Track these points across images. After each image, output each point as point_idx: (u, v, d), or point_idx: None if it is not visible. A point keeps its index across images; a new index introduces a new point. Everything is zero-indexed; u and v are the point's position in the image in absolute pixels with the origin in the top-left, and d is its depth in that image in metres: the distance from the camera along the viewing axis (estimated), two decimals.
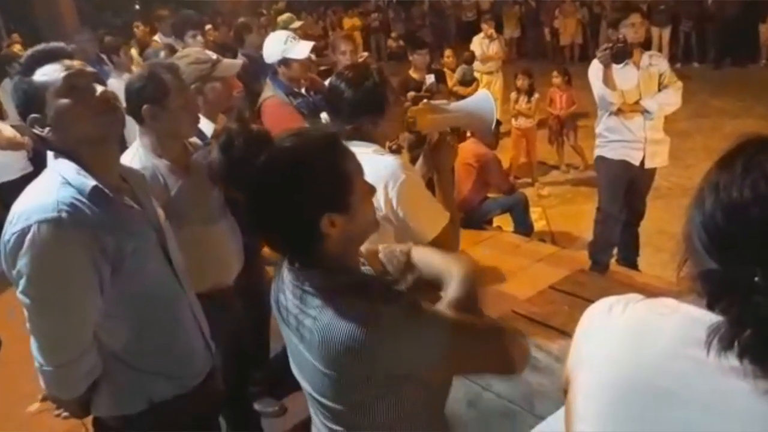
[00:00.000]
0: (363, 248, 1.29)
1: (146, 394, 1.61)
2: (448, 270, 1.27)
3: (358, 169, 1.15)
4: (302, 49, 3.48)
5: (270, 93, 3.49)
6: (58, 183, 1.45)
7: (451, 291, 1.21)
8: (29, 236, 1.37)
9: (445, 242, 1.92)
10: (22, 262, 1.40)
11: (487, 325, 1.21)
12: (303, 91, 3.58)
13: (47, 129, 1.47)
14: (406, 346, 1.05)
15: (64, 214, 1.40)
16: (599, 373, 0.86)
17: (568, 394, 0.94)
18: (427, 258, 1.35)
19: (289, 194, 1.06)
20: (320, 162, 1.09)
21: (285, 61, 3.48)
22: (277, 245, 1.16)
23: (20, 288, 1.43)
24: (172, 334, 1.66)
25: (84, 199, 1.44)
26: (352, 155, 1.15)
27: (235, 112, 3.43)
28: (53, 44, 1.53)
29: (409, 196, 1.82)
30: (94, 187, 1.47)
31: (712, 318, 0.75)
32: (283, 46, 3.46)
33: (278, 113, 3.28)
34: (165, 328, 1.64)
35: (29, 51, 1.52)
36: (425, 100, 2.04)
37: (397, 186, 1.79)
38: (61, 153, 1.50)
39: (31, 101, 1.46)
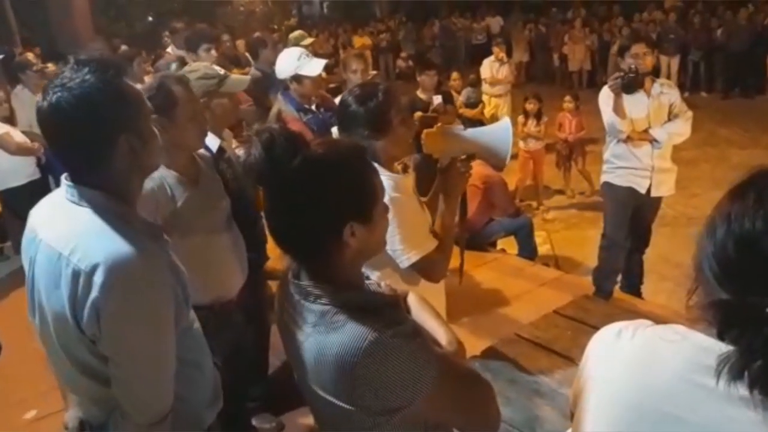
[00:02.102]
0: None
1: (199, 423, 1.57)
2: (435, 333, 1.27)
3: (382, 185, 1.18)
4: (315, 67, 3.53)
5: (281, 107, 3.54)
6: (125, 228, 1.31)
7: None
8: (129, 294, 1.26)
9: (426, 270, 1.91)
10: (126, 320, 1.28)
11: (476, 374, 1.21)
12: (313, 107, 3.61)
13: (136, 148, 1.34)
14: (399, 375, 1.02)
15: (154, 265, 1.31)
16: (607, 398, 0.85)
17: (574, 417, 0.93)
18: (419, 311, 1.35)
19: (320, 196, 1.08)
20: (353, 170, 1.13)
21: (297, 78, 3.52)
22: (296, 249, 1.16)
23: (119, 348, 1.31)
24: (202, 357, 1.60)
25: (149, 239, 1.36)
26: (377, 171, 1.18)
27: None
28: (118, 58, 1.48)
29: (392, 218, 1.81)
30: (151, 225, 1.43)
31: (722, 347, 0.74)
32: (296, 62, 3.51)
33: (294, 126, 3.30)
34: (199, 354, 1.58)
35: (108, 58, 1.36)
36: (439, 124, 2.03)
37: None
38: (107, 184, 1.34)
39: (135, 114, 1.33)
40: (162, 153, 1.45)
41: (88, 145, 1.31)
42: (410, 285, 1.91)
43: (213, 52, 4.61)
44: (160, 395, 1.38)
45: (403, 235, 1.85)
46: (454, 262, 2.09)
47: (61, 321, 1.32)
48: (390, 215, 1.77)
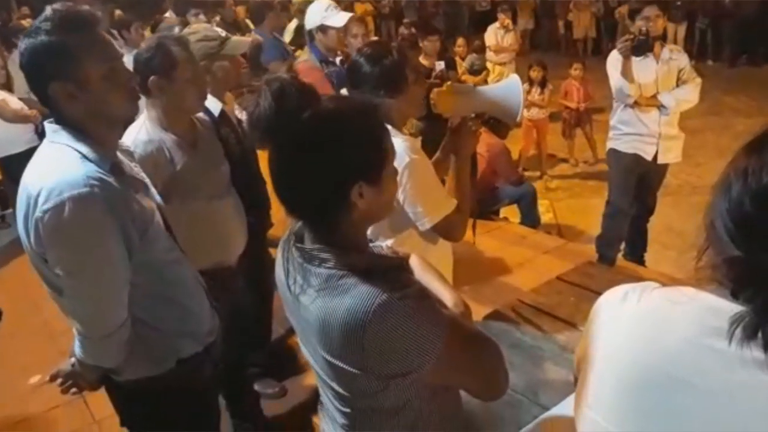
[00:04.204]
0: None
1: (174, 353, 1.67)
2: (440, 294, 1.25)
3: (393, 147, 1.13)
4: (340, 18, 3.61)
5: (305, 57, 3.68)
6: (77, 158, 1.44)
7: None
8: (66, 212, 1.37)
9: (447, 230, 1.90)
10: (61, 238, 1.40)
11: (484, 336, 1.19)
12: (338, 61, 3.66)
13: (73, 94, 1.44)
14: (409, 338, 1.00)
15: (95, 189, 1.40)
16: (612, 362, 0.83)
17: (578, 381, 0.91)
18: (422, 274, 1.32)
19: (330, 153, 1.04)
20: (365, 126, 1.08)
21: (323, 28, 3.59)
22: (301, 208, 1.12)
23: (59, 263, 1.44)
24: (185, 296, 1.71)
25: (106, 173, 1.46)
26: (388, 131, 1.14)
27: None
28: (84, 8, 1.49)
29: (411, 180, 1.79)
30: (112, 163, 1.51)
31: (733, 307, 0.72)
32: (323, 13, 3.58)
33: (310, 76, 3.28)
34: (178, 291, 1.69)
35: (59, 9, 1.44)
36: (449, 82, 2.00)
37: (399, 169, 1.76)
38: (72, 125, 1.48)
39: (65, 63, 1.41)
40: (120, 98, 1.51)
41: (34, 90, 1.47)
42: (429, 244, 1.92)
43: (202, 17, 4.54)
44: (102, 311, 1.50)
45: (424, 197, 1.83)
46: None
47: (24, 244, 1.49)
48: (410, 178, 1.77)
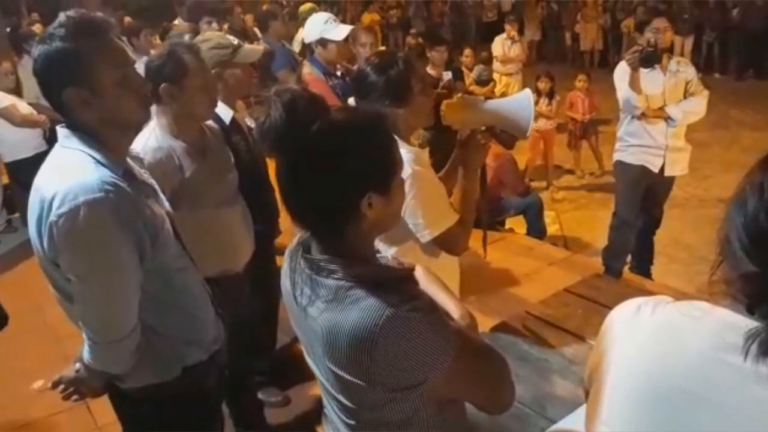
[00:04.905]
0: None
1: (180, 361, 1.66)
2: (446, 306, 1.24)
3: (401, 157, 1.14)
4: (340, 32, 3.58)
5: (308, 70, 3.63)
6: (92, 162, 1.44)
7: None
8: (80, 216, 1.37)
9: (448, 243, 1.89)
10: (75, 242, 1.40)
11: (491, 349, 1.18)
12: (338, 74, 3.66)
13: (87, 100, 1.44)
14: (418, 351, 0.99)
15: (110, 194, 1.40)
16: (625, 377, 0.82)
17: (590, 396, 0.91)
18: (428, 285, 1.31)
19: (341, 163, 1.04)
20: (375, 137, 1.09)
21: (322, 42, 3.57)
22: (309, 219, 1.11)
23: (72, 268, 1.44)
24: (192, 303, 1.70)
25: (119, 178, 1.46)
26: (397, 142, 1.14)
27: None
28: (98, 15, 1.50)
29: (413, 192, 1.78)
30: (124, 169, 1.52)
31: (749, 323, 0.72)
32: (322, 26, 3.56)
33: (316, 87, 3.29)
34: (186, 298, 1.68)
35: (72, 16, 1.44)
36: (459, 94, 1.99)
37: None
38: (84, 130, 1.48)
39: (79, 69, 1.42)
40: (133, 104, 1.51)
41: (47, 95, 1.47)
42: (431, 258, 1.90)
43: (215, 25, 4.55)
44: (113, 317, 1.50)
45: (425, 209, 1.82)
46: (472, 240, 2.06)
47: (36, 248, 1.48)
48: (412, 189, 1.77)
